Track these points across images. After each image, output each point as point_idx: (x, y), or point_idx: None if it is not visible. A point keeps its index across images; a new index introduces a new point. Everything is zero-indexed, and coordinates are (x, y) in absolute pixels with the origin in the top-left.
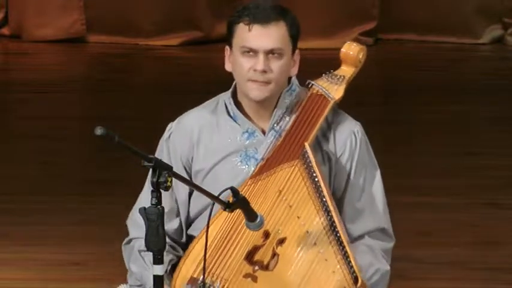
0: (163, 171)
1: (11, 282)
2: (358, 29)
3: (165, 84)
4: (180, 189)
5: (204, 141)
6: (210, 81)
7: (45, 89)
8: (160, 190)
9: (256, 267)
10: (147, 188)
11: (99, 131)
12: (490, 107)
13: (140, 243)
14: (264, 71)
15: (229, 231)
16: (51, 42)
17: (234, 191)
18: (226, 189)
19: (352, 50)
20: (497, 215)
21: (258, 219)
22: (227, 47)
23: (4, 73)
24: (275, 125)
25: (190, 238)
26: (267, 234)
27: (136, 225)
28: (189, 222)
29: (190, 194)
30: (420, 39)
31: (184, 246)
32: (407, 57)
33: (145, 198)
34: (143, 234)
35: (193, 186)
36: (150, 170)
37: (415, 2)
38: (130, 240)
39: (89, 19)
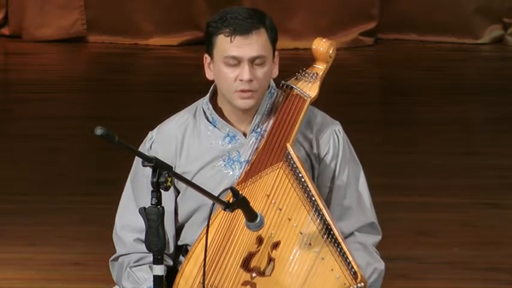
0: (163, 171)
1: (11, 282)
2: (358, 29)
3: (165, 84)
4: (167, 200)
5: (187, 148)
6: (210, 81)
7: (45, 89)
8: (160, 190)
9: (254, 274)
10: (126, 203)
11: (99, 131)
12: (490, 107)
13: (129, 260)
14: (250, 80)
15: (222, 241)
16: (51, 42)
17: (234, 191)
18: (226, 189)
19: (321, 46)
20: (497, 215)
21: (258, 219)
22: (206, 55)
23: (4, 73)
24: (256, 127)
25: (181, 248)
26: (260, 240)
27: (121, 242)
28: (178, 230)
29: (176, 202)
30: (420, 39)
31: (174, 256)
32: (407, 57)
33: (126, 214)
34: (129, 251)
35: (194, 187)
36: (128, 184)
37: (415, 2)
38: (117, 258)
39: (89, 19)
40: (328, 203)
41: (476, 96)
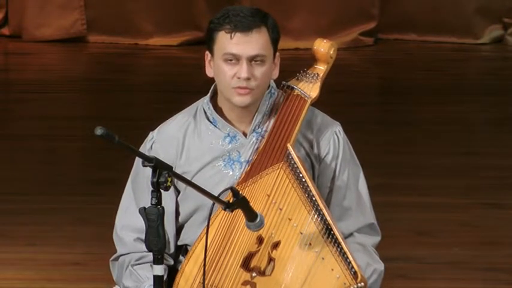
0: (163, 171)
1: (11, 282)
2: (358, 29)
3: (165, 84)
4: (167, 200)
5: (187, 148)
6: (210, 81)
7: (45, 89)
8: (160, 190)
9: (254, 274)
10: (126, 204)
11: (99, 131)
12: (490, 107)
13: (130, 258)
14: (248, 78)
15: (223, 240)
16: (51, 42)
17: (234, 191)
18: (226, 189)
19: (322, 47)
20: (497, 215)
21: (258, 219)
22: (207, 53)
23: (4, 73)
24: (256, 127)
25: (181, 248)
26: (260, 240)
27: (121, 242)
28: (178, 230)
29: (176, 202)
30: (420, 39)
31: (174, 256)
32: (407, 57)
33: (126, 215)
34: (130, 250)
35: (194, 187)
36: (128, 184)
37: (415, 2)
38: (118, 257)
39: (89, 19)
40: (328, 203)
41: (476, 96)
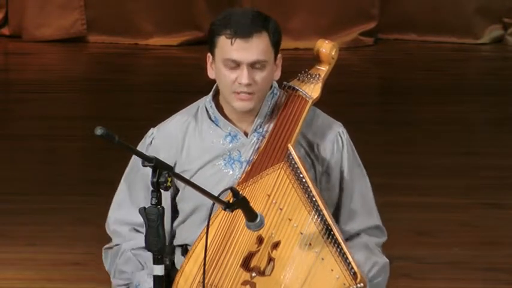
0: (163, 171)
1: (11, 282)
2: (358, 29)
3: (165, 84)
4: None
5: (188, 146)
6: (210, 81)
7: (45, 89)
8: (160, 190)
9: (254, 274)
10: (119, 200)
11: (99, 131)
12: (490, 107)
13: (127, 244)
14: (249, 84)
15: (223, 240)
16: (51, 42)
17: (234, 191)
18: (226, 189)
19: (324, 47)
20: (497, 215)
21: (258, 219)
22: (209, 54)
23: (4, 73)
24: (258, 127)
25: (181, 248)
26: (260, 240)
27: (117, 234)
28: (177, 229)
29: (173, 201)
30: (420, 39)
31: (172, 254)
32: (407, 57)
33: (119, 210)
34: (126, 240)
35: (194, 187)
36: (122, 180)
37: (415, 2)
38: (112, 246)
39: (89, 19)
40: (336, 205)
41: (476, 96)
